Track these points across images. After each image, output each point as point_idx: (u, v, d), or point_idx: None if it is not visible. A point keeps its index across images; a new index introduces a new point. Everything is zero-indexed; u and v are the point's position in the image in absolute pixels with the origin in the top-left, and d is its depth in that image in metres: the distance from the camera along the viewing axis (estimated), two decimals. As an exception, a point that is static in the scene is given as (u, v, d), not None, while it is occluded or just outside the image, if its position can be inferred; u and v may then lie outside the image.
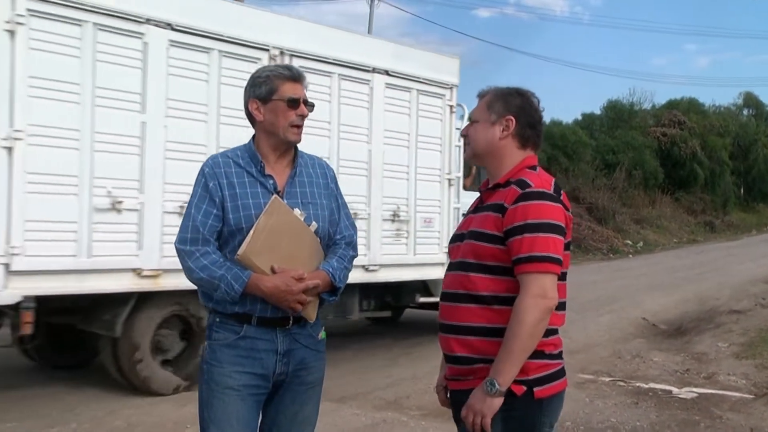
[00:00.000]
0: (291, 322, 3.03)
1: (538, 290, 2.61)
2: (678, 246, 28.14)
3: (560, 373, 2.77)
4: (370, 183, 8.47)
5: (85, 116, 6.33)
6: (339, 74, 8.17)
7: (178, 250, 3.03)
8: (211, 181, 3.03)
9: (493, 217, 2.73)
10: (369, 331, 10.45)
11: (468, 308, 2.75)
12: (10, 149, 5.93)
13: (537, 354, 2.66)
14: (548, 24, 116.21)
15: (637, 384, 7.70)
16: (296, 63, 7.28)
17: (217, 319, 3.05)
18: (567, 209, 2.78)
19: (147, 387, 6.97)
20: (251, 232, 2.91)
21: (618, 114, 38.39)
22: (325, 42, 8.09)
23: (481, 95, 2.95)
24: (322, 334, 3.19)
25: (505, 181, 2.80)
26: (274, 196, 2.99)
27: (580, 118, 43.21)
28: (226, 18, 7.30)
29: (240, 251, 2.90)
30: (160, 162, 6.76)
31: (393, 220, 8.71)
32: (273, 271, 2.93)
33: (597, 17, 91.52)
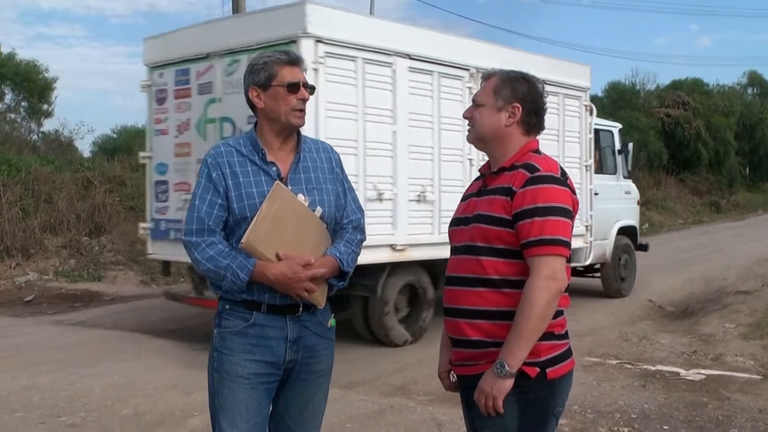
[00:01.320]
0: (301, 309, 3.02)
1: (549, 272, 2.62)
2: (684, 227, 28.04)
3: (569, 353, 2.83)
4: None
5: (359, 129, 8.20)
6: None
7: (184, 243, 3.02)
8: (215, 171, 3.01)
9: (501, 201, 2.73)
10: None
11: (478, 292, 2.75)
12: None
13: (547, 335, 2.69)
14: (549, 6, 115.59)
15: (645, 366, 7.69)
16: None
17: (227, 306, 3.04)
18: (573, 193, 2.78)
19: (387, 337, 8.79)
20: (254, 219, 2.89)
21: (620, 95, 38.19)
22: (504, 60, 8.95)
23: (485, 77, 2.93)
24: (331, 321, 3.18)
25: (511, 165, 2.80)
26: (277, 182, 2.98)
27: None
28: (443, 46, 9.20)
29: (243, 239, 2.88)
30: (405, 162, 8.61)
31: None
32: (279, 258, 2.91)
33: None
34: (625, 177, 13.10)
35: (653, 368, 7.62)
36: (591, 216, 11.16)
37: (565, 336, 2.83)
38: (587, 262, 11.52)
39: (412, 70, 8.69)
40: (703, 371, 7.48)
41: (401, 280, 8.79)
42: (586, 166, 11.15)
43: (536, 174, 2.72)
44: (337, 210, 3.16)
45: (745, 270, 15.05)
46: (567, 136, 10.74)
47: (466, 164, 9.16)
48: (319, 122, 7.71)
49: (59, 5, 71.94)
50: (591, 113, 11.32)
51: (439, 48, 9.09)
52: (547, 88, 8.13)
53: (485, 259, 2.74)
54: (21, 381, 6.97)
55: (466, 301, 2.79)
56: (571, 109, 10.89)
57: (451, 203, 7.51)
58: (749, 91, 48.58)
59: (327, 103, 7.83)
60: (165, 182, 9.09)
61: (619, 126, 13.37)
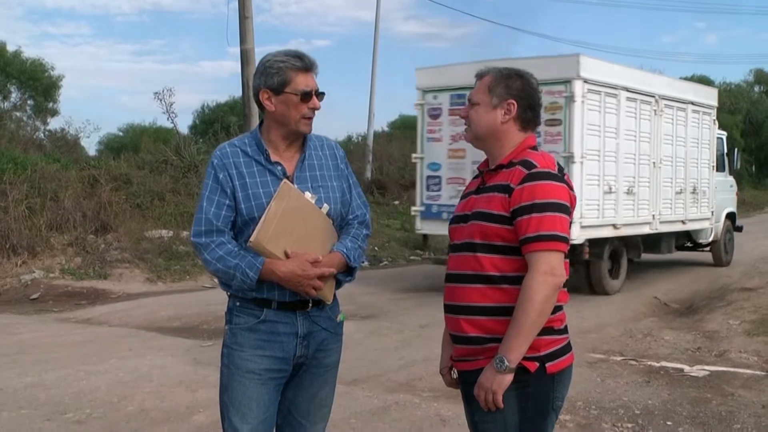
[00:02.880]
0: (311, 305, 3.05)
1: (547, 267, 2.64)
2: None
3: (568, 348, 2.85)
4: (686, 171, 14.20)
5: (601, 143, 11.62)
6: (690, 108, 14.35)
7: (194, 244, 3.05)
8: (221, 172, 3.03)
9: (500, 198, 2.74)
10: (379, 314, 10.46)
11: (477, 288, 2.77)
12: (581, 163, 11.10)
13: (546, 330, 2.71)
14: (556, 3, 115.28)
15: (649, 363, 7.70)
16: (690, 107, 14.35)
17: (237, 304, 3.07)
18: (571, 189, 2.80)
19: (604, 289, 12.23)
20: (263, 218, 2.91)
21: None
22: (678, 89, 14.36)
23: (479, 76, 2.93)
24: (340, 317, 3.21)
25: (509, 162, 2.82)
26: (284, 180, 3.00)
27: (589, 97, 42.96)
28: (640, 80, 13.00)
29: (252, 238, 2.90)
30: (622, 165, 12.14)
31: (694, 192, 14.43)
32: (287, 255, 2.93)
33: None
34: (729, 174, 17.03)
35: (657, 364, 7.62)
36: (714, 204, 15.35)
37: (565, 331, 2.85)
38: (710, 239, 15.55)
39: (627, 98, 12.24)
40: (706, 367, 7.49)
41: (610, 248, 12.39)
42: (713, 167, 15.27)
43: (533, 170, 2.73)
44: (343, 206, 3.18)
45: (749, 267, 15.03)
46: (702, 144, 14.75)
47: (651, 166, 12.91)
48: (583, 138, 11.19)
49: (65, 3, 72.16)
50: (715, 125, 15.38)
51: (639, 81, 12.80)
52: (692, 107, 12.52)
53: (484, 255, 2.75)
54: (27, 378, 7.00)
55: (465, 298, 2.80)
56: (706, 123, 14.88)
57: (643, 195, 12.62)
58: (756, 89, 48.51)
59: (587, 125, 11.26)
60: (438, 177, 12.33)
61: (725, 134, 17.38)
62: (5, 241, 13.61)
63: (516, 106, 2.85)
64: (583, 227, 11.15)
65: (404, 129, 37.99)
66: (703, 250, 16.04)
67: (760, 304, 10.66)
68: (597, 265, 12.13)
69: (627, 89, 12.18)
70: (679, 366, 7.57)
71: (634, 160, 12.41)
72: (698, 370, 7.38)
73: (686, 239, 15.34)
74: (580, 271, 12.01)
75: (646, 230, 12.98)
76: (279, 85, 3.02)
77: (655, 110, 12.92)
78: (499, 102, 2.85)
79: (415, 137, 13.10)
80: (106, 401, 6.33)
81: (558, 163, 2.84)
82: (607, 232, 11.87)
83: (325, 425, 3.25)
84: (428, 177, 12.39)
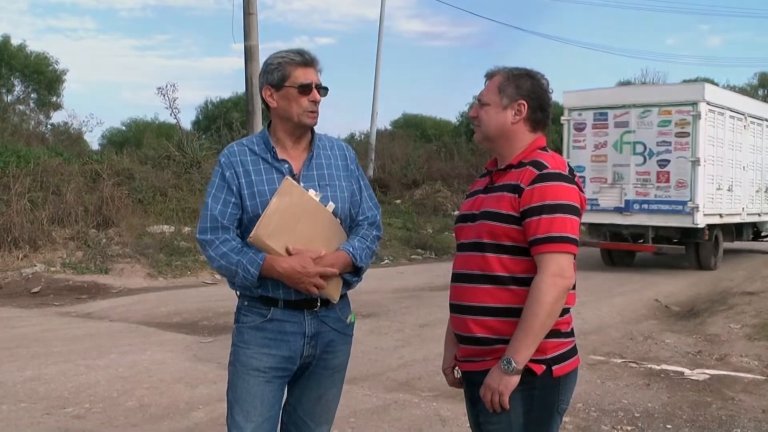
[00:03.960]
0: (319, 304, 3.03)
1: (556, 269, 2.62)
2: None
3: (574, 351, 2.83)
4: (762, 174, 18.24)
5: (717, 152, 15.63)
6: (765, 124, 18.40)
7: (199, 241, 3.06)
8: (228, 170, 3.04)
9: (509, 197, 2.73)
10: (380, 312, 10.46)
11: (485, 289, 2.75)
12: (704, 166, 14.88)
13: (553, 333, 2.69)
14: (560, 3, 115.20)
15: (649, 365, 7.69)
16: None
17: (246, 303, 3.08)
18: (581, 190, 2.78)
19: (709, 265, 15.89)
20: (263, 214, 2.91)
21: (631, 95, 38.09)
22: (762, 110, 18.60)
23: (489, 75, 2.91)
24: (351, 317, 3.20)
25: (518, 162, 2.79)
26: (286, 177, 2.99)
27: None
28: (752, 106, 18.06)
29: (252, 233, 2.90)
30: (729, 169, 16.41)
31: (767, 191, 18.54)
32: (289, 252, 2.92)
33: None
34: None
35: (658, 367, 7.61)
36: None
37: (571, 334, 2.83)
38: None
39: (729, 116, 16.15)
40: (707, 371, 7.48)
41: (714, 233, 15.98)
42: None
43: (544, 171, 2.71)
44: (351, 206, 3.17)
45: (752, 271, 15.04)
46: None
47: (741, 170, 16.86)
48: (705, 147, 14.96)
49: (69, -3, 72.10)
50: None
51: (737, 103, 16.98)
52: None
53: (492, 255, 2.74)
54: (27, 372, 7.00)
55: (472, 298, 2.78)
56: None
57: (737, 192, 17.06)
58: (760, 92, 48.43)
59: (707, 137, 15.08)
60: (582, 177, 14.50)
61: None
62: (7, 234, 13.63)
63: (526, 106, 2.82)
64: (704, 215, 15.03)
65: (407, 127, 38.01)
66: (763, 240, 19.84)
67: (762, 308, 10.66)
68: (706, 245, 15.84)
69: (730, 109, 16.23)
70: (679, 369, 7.56)
71: (732, 165, 16.45)
72: (699, 374, 7.36)
73: (754, 229, 19.06)
74: (691, 251, 15.98)
75: (737, 220, 17.18)
76: (279, 81, 3.03)
77: (744, 126, 16.95)
78: (509, 102, 2.83)
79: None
80: (106, 396, 6.33)
81: (569, 165, 2.82)
82: (716, 220, 15.79)
83: (329, 428, 3.24)
84: None
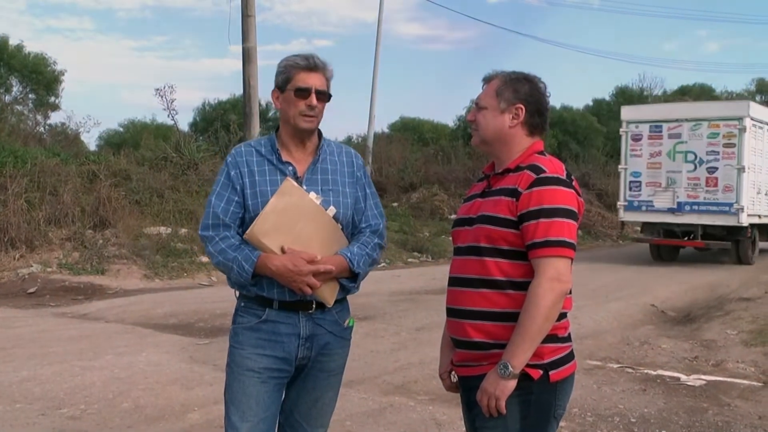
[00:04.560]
0: (314, 306, 3.05)
1: (554, 274, 2.62)
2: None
3: (571, 356, 2.83)
4: None
5: (756, 159, 18.16)
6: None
7: (201, 238, 3.11)
8: (233, 170, 3.09)
9: (507, 201, 2.72)
10: (376, 315, 10.45)
11: (482, 293, 2.75)
12: (747, 173, 17.62)
13: (550, 338, 2.69)
14: (557, 9, 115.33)
15: (645, 371, 7.69)
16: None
17: (242, 304, 3.11)
18: (579, 194, 2.78)
19: (748, 259, 18.45)
20: (261, 212, 2.94)
21: (628, 100, 38.17)
22: None
23: (487, 79, 2.91)
24: (349, 321, 3.20)
25: (516, 166, 2.79)
26: (287, 178, 3.02)
27: (590, 103, 42.99)
28: None
29: (248, 230, 2.94)
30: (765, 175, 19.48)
31: None
32: (283, 251, 2.94)
33: (606, 1, 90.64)
34: None
35: (654, 373, 7.61)
36: None
37: (568, 339, 2.83)
38: None
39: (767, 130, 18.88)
40: (703, 377, 7.48)
41: (753, 232, 18.40)
42: None
43: (542, 175, 2.71)
44: (355, 213, 3.18)
45: (748, 277, 15.05)
46: None
47: None
48: (750, 156, 17.60)
49: (67, -2, 72.08)
50: None
51: None
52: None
53: (489, 259, 2.73)
54: (22, 372, 6.98)
55: (469, 303, 2.78)
56: None
57: None
58: (757, 98, 48.52)
59: (750, 148, 17.57)
60: (638, 182, 18.60)
61: None
62: (3, 234, 13.62)
63: (524, 110, 2.82)
64: (749, 215, 17.69)
65: (404, 131, 38.00)
66: None
67: (758, 314, 10.67)
68: (746, 242, 18.38)
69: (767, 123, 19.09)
70: (675, 375, 7.56)
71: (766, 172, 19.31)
72: (695, 380, 7.36)
73: None
74: (731, 248, 18.56)
75: None
76: (283, 84, 3.10)
77: None
78: (507, 106, 2.83)
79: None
80: (101, 397, 6.32)
81: (566, 169, 2.82)
82: (755, 220, 18.32)
83: (325, 431, 3.25)
84: (631, 182, 18.73)
